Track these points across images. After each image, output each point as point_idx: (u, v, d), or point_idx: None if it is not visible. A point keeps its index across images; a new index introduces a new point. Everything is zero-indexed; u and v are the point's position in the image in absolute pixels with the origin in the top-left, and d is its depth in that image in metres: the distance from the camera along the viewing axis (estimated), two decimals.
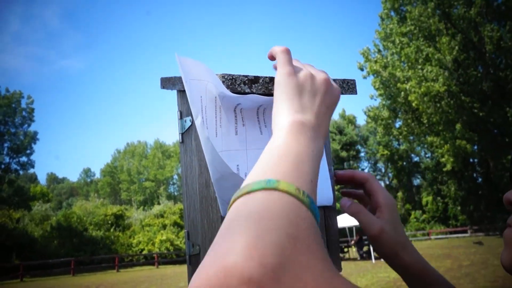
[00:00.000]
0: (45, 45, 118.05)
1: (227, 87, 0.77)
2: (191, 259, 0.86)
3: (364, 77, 31.22)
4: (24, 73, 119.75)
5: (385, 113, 31.56)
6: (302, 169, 0.52)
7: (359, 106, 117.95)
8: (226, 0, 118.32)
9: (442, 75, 25.69)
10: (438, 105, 26.36)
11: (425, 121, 27.81)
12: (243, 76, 0.78)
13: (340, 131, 52.50)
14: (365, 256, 22.14)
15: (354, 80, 0.87)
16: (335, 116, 55.90)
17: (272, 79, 0.80)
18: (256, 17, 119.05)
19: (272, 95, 0.78)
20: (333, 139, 51.17)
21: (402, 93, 27.66)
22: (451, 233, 38.96)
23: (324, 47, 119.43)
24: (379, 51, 30.90)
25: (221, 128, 0.79)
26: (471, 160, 36.48)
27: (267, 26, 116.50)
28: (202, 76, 0.77)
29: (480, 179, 38.70)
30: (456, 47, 25.88)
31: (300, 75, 0.66)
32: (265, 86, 0.79)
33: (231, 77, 0.78)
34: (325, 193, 0.86)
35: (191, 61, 0.78)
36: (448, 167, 29.20)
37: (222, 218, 0.77)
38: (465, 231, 37.46)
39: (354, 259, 22.08)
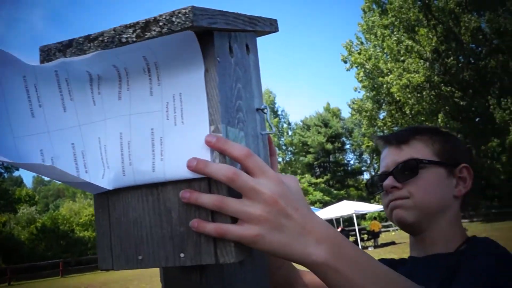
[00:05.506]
0: None
1: (43, 60, 0.68)
2: None
3: (348, 70, 31.40)
4: None
5: (369, 105, 31.75)
6: None
7: (343, 99, 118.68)
8: None
9: (422, 66, 25.94)
10: (420, 95, 26.64)
11: (408, 112, 28.06)
12: (58, 43, 0.68)
13: (325, 124, 52.73)
14: None
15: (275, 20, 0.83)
16: (320, 109, 56.19)
17: (87, 37, 0.67)
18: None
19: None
20: (319, 132, 51.40)
21: (384, 85, 27.89)
22: None
23: (308, 38, 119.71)
24: (362, 43, 31.09)
25: (41, 108, 0.67)
26: None
27: None
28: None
29: None
30: (435, 38, 26.12)
31: (286, 182, 0.60)
32: (79, 48, 0.67)
33: (46, 49, 0.69)
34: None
35: None
36: None
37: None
38: None
39: None
